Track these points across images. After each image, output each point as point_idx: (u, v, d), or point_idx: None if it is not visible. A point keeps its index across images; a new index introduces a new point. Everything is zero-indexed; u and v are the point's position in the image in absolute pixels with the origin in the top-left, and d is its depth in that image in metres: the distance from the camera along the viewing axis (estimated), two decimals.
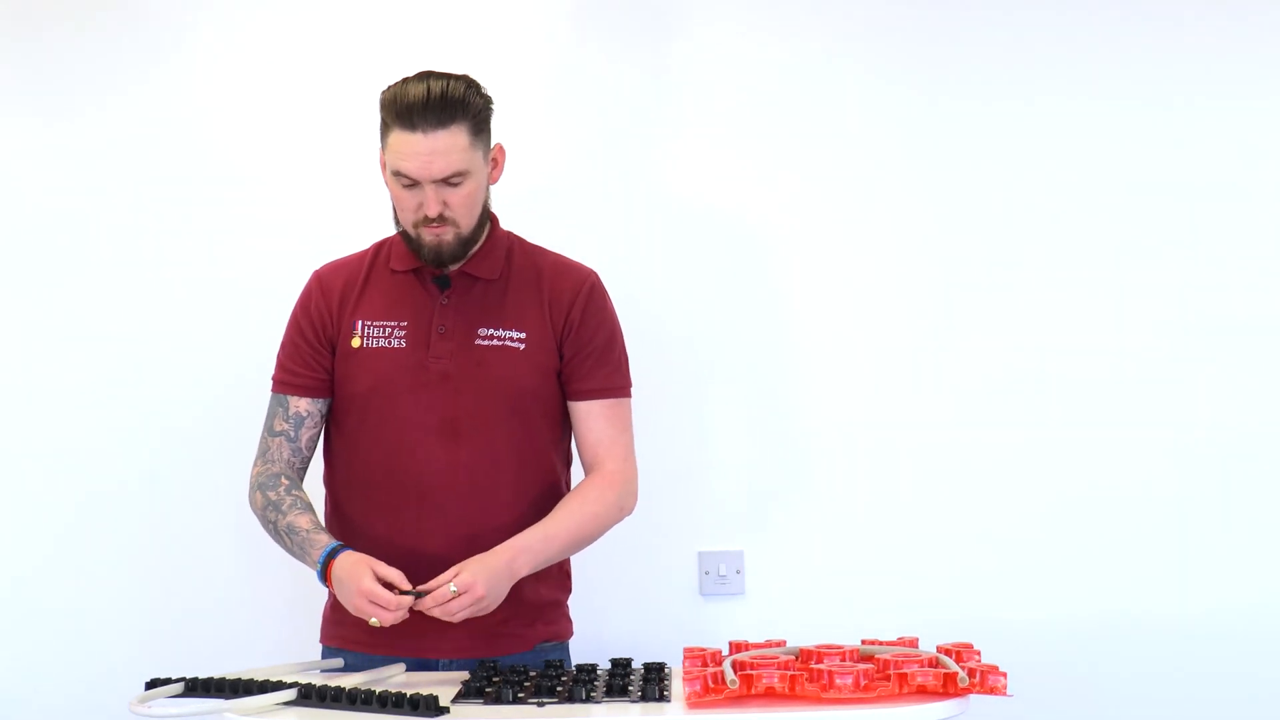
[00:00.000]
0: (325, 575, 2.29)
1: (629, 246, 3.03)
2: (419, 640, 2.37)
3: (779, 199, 3.06)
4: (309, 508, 2.39)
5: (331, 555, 2.29)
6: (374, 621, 2.22)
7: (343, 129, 2.99)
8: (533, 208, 2.83)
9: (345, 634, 2.43)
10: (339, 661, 2.45)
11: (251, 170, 3.05)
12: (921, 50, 3.07)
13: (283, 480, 2.41)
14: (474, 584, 2.22)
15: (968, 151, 3.06)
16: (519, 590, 2.37)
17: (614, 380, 2.47)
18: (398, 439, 2.37)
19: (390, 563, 2.27)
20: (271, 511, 2.38)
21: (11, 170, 3.07)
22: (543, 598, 2.45)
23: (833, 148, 3.06)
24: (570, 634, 2.52)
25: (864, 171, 3.06)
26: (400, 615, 2.22)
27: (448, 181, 2.30)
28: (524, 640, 2.42)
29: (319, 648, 2.52)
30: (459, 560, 2.28)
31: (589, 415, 2.45)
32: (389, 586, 2.23)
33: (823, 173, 3.06)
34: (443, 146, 2.27)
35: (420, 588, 2.24)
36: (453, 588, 2.21)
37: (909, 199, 3.06)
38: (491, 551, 2.28)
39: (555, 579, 2.48)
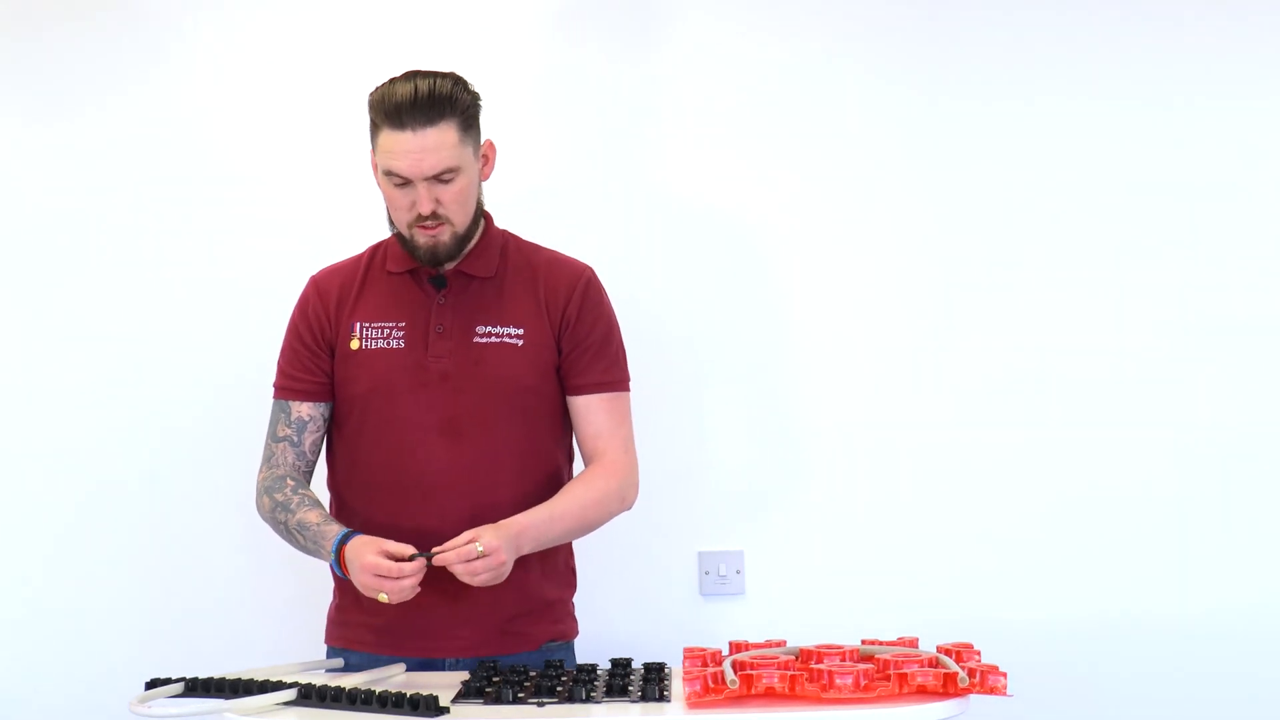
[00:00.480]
0: (340, 563, 2.29)
1: (628, 247, 3.03)
2: (426, 640, 2.37)
3: (778, 199, 3.06)
4: (317, 504, 2.39)
5: (343, 542, 2.28)
6: (382, 597, 2.21)
7: (341, 129, 2.99)
8: (532, 208, 2.83)
9: (350, 634, 2.43)
10: (339, 661, 2.45)
11: (251, 170, 3.05)
12: (921, 50, 3.07)
13: (288, 481, 2.41)
14: (498, 548, 2.22)
15: (968, 151, 3.06)
16: (525, 588, 2.38)
17: (612, 374, 2.47)
18: (399, 439, 2.37)
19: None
20: (280, 512, 2.38)
21: (11, 170, 3.07)
22: (549, 596, 2.45)
23: (832, 148, 3.06)
24: (576, 633, 2.52)
25: (864, 171, 3.06)
26: (410, 588, 2.20)
27: (439, 179, 2.30)
28: (531, 639, 2.42)
29: (321, 648, 2.52)
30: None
31: (588, 410, 2.45)
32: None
33: (822, 173, 3.06)
34: (432, 144, 2.28)
35: (436, 549, 2.22)
36: (479, 547, 2.20)
37: (909, 199, 3.06)
38: (503, 523, 2.28)
39: (561, 576, 2.49)
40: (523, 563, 2.34)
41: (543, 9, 3.07)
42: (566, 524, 2.37)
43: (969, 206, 3.06)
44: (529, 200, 2.87)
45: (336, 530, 2.31)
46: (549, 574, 2.44)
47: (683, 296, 3.05)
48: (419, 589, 2.22)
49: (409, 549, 2.22)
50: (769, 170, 3.06)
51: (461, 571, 2.21)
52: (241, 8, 3.07)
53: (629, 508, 2.48)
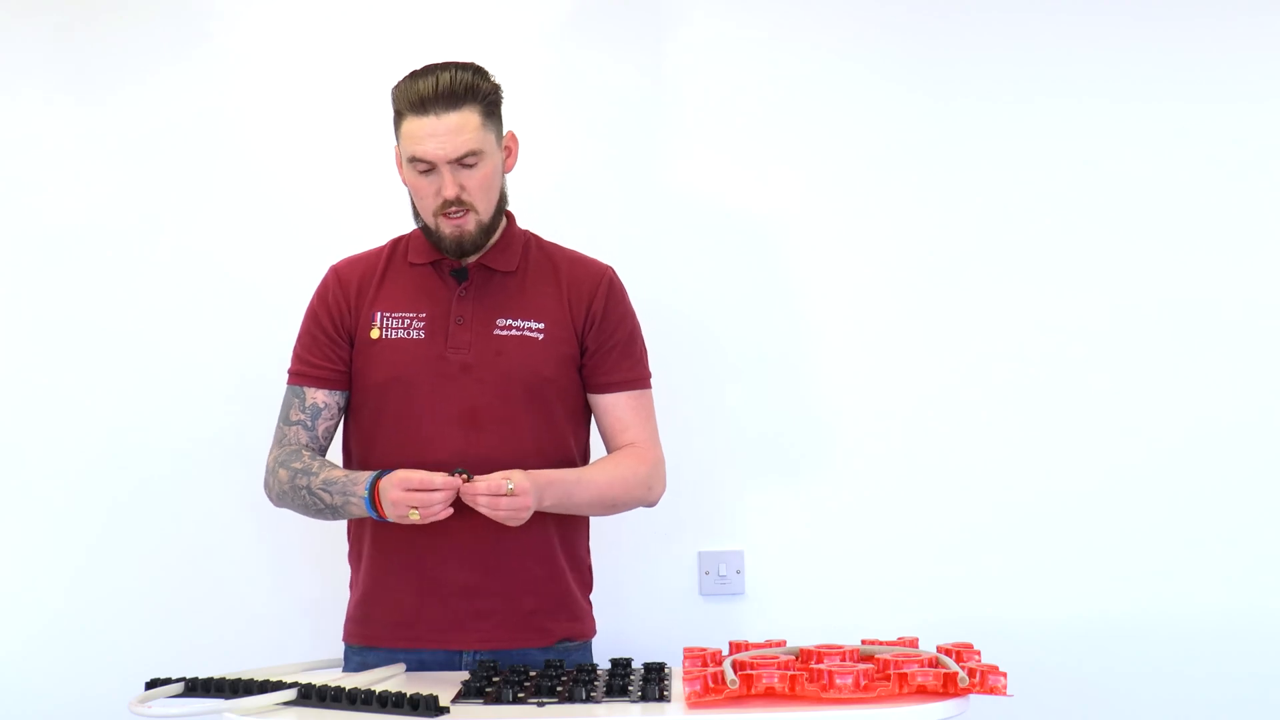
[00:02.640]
0: (374, 502, 2.28)
1: (624, 246, 3.01)
2: (445, 633, 2.37)
3: (776, 201, 3.05)
4: (338, 465, 2.40)
5: (379, 478, 2.28)
6: (413, 515, 2.21)
7: (354, 130, 3.00)
8: (540, 207, 2.82)
9: (369, 631, 2.43)
10: (339, 661, 2.45)
11: (257, 170, 3.05)
12: (934, 48, 3.05)
13: (304, 453, 2.41)
14: (527, 490, 2.24)
15: (970, 153, 3.05)
16: (545, 584, 2.40)
17: (637, 372, 2.50)
18: (416, 429, 2.37)
19: (413, 550, 2.34)
20: (301, 478, 2.36)
21: (26, 169, 3.07)
22: (568, 593, 2.45)
23: (843, 147, 3.05)
24: (594, 633, 2.52)
25: (864, 172, 3.06)
26: (439, 501, 2.20)
27: (463, 163, 2.32)
28: (548, 634, 2.42)
29: (323, 647, 2.52)
30: (482, 548, 2.33)
31: (615, 406, 2.47)
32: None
33: (823, 173, 3.06)
34: (456, 126, 2.30)
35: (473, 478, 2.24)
36: (510, 485, 2.22)
37: (909, 201, 3.05)
38: (533, 471, 2.30)
39: (580, 575, 2.50)
40: (545, 559, 2.38)
41: (553, 11, 3.06)
42: (591, 492, 2.39)
43: (969, 211, 3.05)
44: (536, 199, 2.86)
45: (369, 474, 2.31)
46: (569, 571, 2.45)
47: (681, 298, 3.04)
48: (450, 510, 2.23)
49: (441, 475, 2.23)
50: (768, 170, 3.05)
51: (485, 504, 2.22)
52: (254, 9, 3.06)
53: (654, 501, 2.50)
